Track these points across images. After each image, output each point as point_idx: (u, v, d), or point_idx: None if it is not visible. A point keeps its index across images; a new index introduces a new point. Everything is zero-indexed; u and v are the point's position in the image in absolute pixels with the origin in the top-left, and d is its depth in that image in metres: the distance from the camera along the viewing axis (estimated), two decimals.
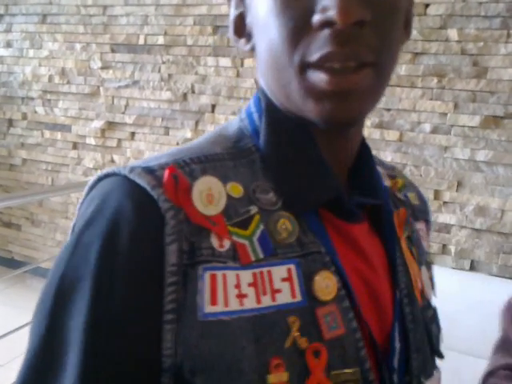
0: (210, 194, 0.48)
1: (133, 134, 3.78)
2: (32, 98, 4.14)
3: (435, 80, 2.86)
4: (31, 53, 4.09)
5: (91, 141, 3.95)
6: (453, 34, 2.80)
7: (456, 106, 2.84)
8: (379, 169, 0.63)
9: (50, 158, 4.14)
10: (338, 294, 0.49)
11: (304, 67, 0.48)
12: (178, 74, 3.58)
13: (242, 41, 0.56)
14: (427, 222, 0.68)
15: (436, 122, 2.90)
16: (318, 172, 0.53)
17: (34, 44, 4.07)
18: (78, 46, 3.90)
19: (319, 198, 0.52)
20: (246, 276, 0.47)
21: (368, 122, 3.02)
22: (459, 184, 2.88)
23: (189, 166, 0.49)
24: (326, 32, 0.45)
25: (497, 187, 2.79)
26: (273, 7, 0.48)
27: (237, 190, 0.50)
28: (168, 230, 0.45)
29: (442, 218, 2.94)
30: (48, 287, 0.48)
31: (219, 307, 0.45)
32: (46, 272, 2.64)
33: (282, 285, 0.47)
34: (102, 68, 3.83)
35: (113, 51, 3.78)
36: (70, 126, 4.02)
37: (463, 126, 2.83)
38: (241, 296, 0.46)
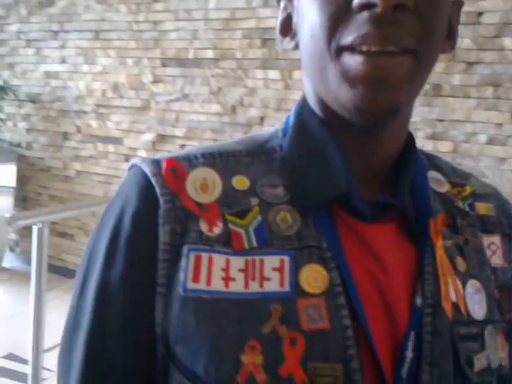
0: (204, 184, 0.53)
1: (183, 146, 3.84)
2: (86, 112, 4.26)
3: (490, 90, 2.79)
4: (85, 68, 4.21)
5: (142, 153, 4.02)
6: (508, 42, 2.72)
7: None
8: (435, 174, 0.61)
9: (103, 169, 4.24)
10: (331, 290, 0.49)
11: (340, 51, 0.47)
12: (227, 87, 3.61)
13: (287, 39, 0.58)
14: (507, 236, 0.62)
15: (492, 133, 2.82)
16: (329, 170, 0.53)
17: (88, 59, 4.19)
18: (129, 61, 3.99)
19: (323, 195, 0.53)
20: (238, 262, 0.50)
21: (420, 133, 2.97)
22: None
23: (196, 160, 0.55)
24: (365, 14, 0.45)
25: None
26: (313, 2, 0.49)
27: (242, 182, 0.54)
28: (161, 213, 0.51)
29: None
30: (83, 257, 0.56)
31: (201, 285, 0.49)
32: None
33: (272, 274, 0.49)
34: (153, 82, 3.91)
35: (163, 65, 3.86)
36: (121, 139, 4.12)
37: None
38: (228, 279, 0.49)
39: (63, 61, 4.31)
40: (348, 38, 0.47)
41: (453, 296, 0.53)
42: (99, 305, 0.52)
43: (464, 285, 0.55)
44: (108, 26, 4.05)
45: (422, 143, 2.97)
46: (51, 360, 2.13)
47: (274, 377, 0.46)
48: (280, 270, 0.50)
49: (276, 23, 0.59)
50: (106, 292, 0.52)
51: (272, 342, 0.47)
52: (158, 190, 0.51)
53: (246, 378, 0.46)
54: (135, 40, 3.94)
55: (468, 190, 0.62)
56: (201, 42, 3.67)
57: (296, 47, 0.56)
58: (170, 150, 3.88)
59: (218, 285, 0.49)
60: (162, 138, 3.93)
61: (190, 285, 0.49)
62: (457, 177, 0.64)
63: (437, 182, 0.61)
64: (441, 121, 2.94)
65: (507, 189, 2.77)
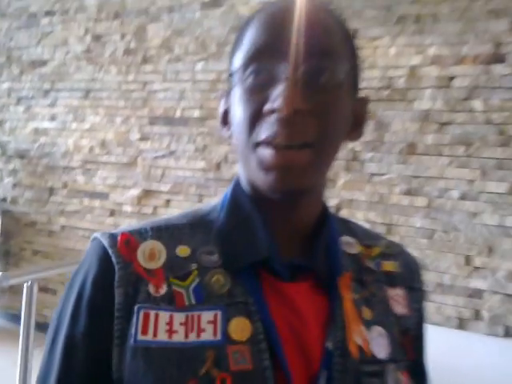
0: (152, 253, 0.64)
1: (168, 201, 3.93)
2: (73, 168, 4.35)
3: (462, 148, 2.96)
4: (74, 125, 4.34)
5: (128, 208, 4.11)
6: (477, 104, 2.92)
7: (483, 173, 2.92)
8: (347, 238, 0.73)
9: (88, 224, 4.30)
10: (255, 337, 0.60)
11: (257, 145, 0.60)
12: (212, 145, 3.75)
13: (225, 128, 0.70)
14: (411, 288, 0.74)
15: (464, 189, 2.97)
16: (254, 238, 0.65)
17: (77, 117, 4.33)
18: (118, 119, 4.13)
19: (248, 260, 0.64)
20: (180, 317, 0.60)
21: (397, 189, 3.12)
22: (490, 250, 2.91)
23: (146, 233, 0.66)
24: (273, 117, 0.58)
25: None
26: (239, 100, 0.62)
27: (184, 251, 0.65)
28: (116, 278, 0.61)
29: (473, 283, 2.95)
30: (53, 316, 0.67)
31: (148, 337, 0.59)
32: None
33: (207, 326, 0.60)
34: (141, 139, 4.05)
35: (151, 124, 4.00)
36: (107, 194, 4.20)
37: (491, 193, 2.90)
38: (171, 331, 0.60)
39: (53, 118, 4.45)
40: (262, 135, 0.59)
41: (358, 340, 0.64)
42: (66, 354, 0.62)
43: (369, 330, 0.65)
44: (99, 86, 4.21)
45: (399, 198, 3.11)
46: None
47: None
48: (213, 322, 0.60)
49: (218, 115, 0.72)
50: (72, 344, 0.62)
51: (207, 382, 0.57)
52: (113, 259, 0.63)
53: None
54: (124, 99, 4.10)
55: (376, 250, 0.74)
56: (188, 102, 3.83)
57: (231, 137, 0.68)
58: (156, 205, 3.97)
59: (162, 336, 0.59)
60: (147, 193, 4.02)
61: (140, 337, 0.59)
62: (368, 239, 0.76)
63: (348, 245, 0.72)
64: (416, 177, 3.09)
65: (479, 241, 2.91)
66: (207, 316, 0.61)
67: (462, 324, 3.00)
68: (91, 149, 4.26)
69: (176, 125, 3.89)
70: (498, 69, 2.87)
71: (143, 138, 4.04)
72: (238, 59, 0.63)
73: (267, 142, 0.58)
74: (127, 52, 4.08)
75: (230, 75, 0.66)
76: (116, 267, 0.62)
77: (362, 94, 0.70)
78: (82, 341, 0.61)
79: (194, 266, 0.64)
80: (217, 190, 3.72)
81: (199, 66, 3.78)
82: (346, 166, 3.26)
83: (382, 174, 3.19)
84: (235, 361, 0.58)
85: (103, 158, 4.21)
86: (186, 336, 0.59)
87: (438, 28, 3.03)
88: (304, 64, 0.58)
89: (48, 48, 4.46)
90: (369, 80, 3.18)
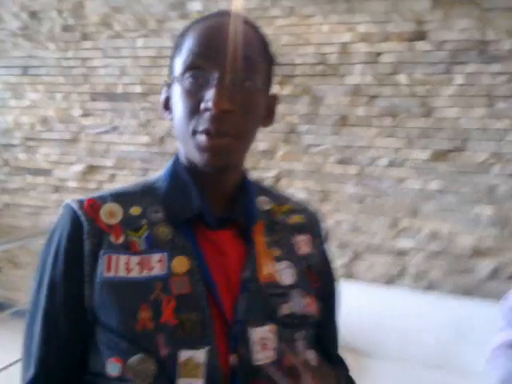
0: (111, 212, 0.83)
1: (113, 175, 4.02)
2: (14, 145, 4.34)
3: (389, 119, 3.21)
4: (13, 102, 4.31)
5: (72, 184, 4.16)
6: (403, 78, 3.17)
7: (408, 142, 3.19)
8: (262, 198, 0.95)
9: (32, 201, 4.32)
10: (191, 270, 0.81)
11: (195, 133, 0.79)
12: (156, 120, 3.85)
13: (167, 113, 0.89)
14: (313, 234, 0.97)
15: (391, 157, 3.23)
16: (190, 199, 0.85)
17: (16, 94, 4.30)
18: (58, 96, 4.14)
19: (185, 215, 0.84)
20: (135, 259, 0.80)
21: (331, 158, 3.35)
22: (414, 212, 3.20)
23: (106, 198, 0.86)
24: (207, 113, 0.77)
25: (448, 213, 3.12)
26: (180, 98, 0.80)
27: (137, 210, 0.85)
28: (85, 231, 0.81)
29: (400, 243, 3.24)
30: (37, 265, 0.86)
31: (111, 273, 0.79)
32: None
33: (156, 264, 0.81)
34: (83, 115, 4.08)
35: (93, 100, 4.04)
36: (51, 171, 4.23)
37: (415, 160, 3.17)
38: (129, 269, 0.79)
39: None
40: (199, 127, 0.78)
41: (267, 270, 0.86)
42: (50, 292, 0.82)
43: (278, 264, 0.88)
44: (36, 63, 4.19)
45: (333, 167, 3.34)
46: None
47: (158, 324, 0.76)
48: (160, 261, 0.81)
49: (160, 100, 0.90)
50: (54, 284, 0.81)
51: (156, 304, 0.77)
52: (82, 218, 0.82)
53: (141, 326, 0.76)
54: (64, 76, 4.11)
55: (286, 207, 0.97)
56: (129, 78, 3.90)
57: (172, 120, 0.86)
58: (101, 180, 4.04)
59: (122, 273, 0.79)
60: (92, 169, 4.08)
61: (105, 274, 0.79)
62: (279, 200, 0.98)
63: (263, 203, 0.95)
64: (348, 147, 3.33)
65: (406, 205, 3.19)
66: (156, 257, 0.81)
67: (389, 280, 3.29)
68: (32, 126, 4.25)
69: (118, 100, 3.95)
70: (421, 45, 3.12)
71: (85, 114, 4.07)
72: (178, 64, 0.81)
73: (202, 131, 0.77)
74: (65, 28, 4.07)
75: (170, 73, 0.85)
76: (84, 224, 0.81)
77: (272, 90, 0.90)
78: (62, 281, 0.81)
79: (144, 221, 0.84)
80: (161, 164, 3.82)
81: (139, 42, 3.84)
82: (285, 138, 3.46)
83: (318, 145, 3.40)
84: (177, 287, 0.79)
85: (45, 135, 4.22)
86: (140, 272, 0.79)
87: (366, 7, 3.23)
88: (230, 73, 0.77)
89: None
90: (303, 56, 3.37)
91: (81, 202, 0.83)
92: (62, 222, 0.83)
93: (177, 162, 0.90)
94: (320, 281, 0.94)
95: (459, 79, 3.06)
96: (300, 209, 0.99)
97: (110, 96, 3.97)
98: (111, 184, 4.00)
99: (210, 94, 0.75)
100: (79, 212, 0.82)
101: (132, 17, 3.86)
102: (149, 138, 3.87)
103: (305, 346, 0.86)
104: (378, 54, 3.23)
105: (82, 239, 0.80)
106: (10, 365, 2.52)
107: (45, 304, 0.82)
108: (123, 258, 0.80)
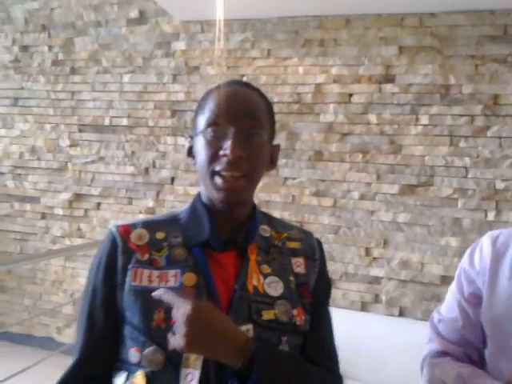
0: (139, 236, 1.06)
1: (99, 204, 4.16)
2: (3, 173, 4.47)
3: (360, 155, 3.41)
4: (3, 132, 4.46)
5: (59, 211, 4.30)
6: (373, 118, 3.38)
7: (378, 176, 3.38)
8: (264, 226, 1.14)
9: (19, 227, 4.44)
10: (198, 283, 0.99)
11: (213, 175, 1.00)
12: (141, 151, 4.02)
13: (190, 159, 1.11)
14: (309, 258, 1.13)
15: (363, 190, 3.42)
16: (201, 228, 1.06)
17: (6, 124, 4.45)
18: (47, 127, 4.30)
19: (197, 240, 1.05)
20: (156, 273, 1.02)
21: (307, 191, 3.53)
22: (385, 242, 3.38)
23: (137, 224, 1.09)
24: (225, 159, 0.98)
25: (416, 244, 3.31)
26: (203, 147, 1.02)
27: (161, 235, 1.07)
28: (118, 250, 1.04)
29: (372, 271, 3.41)
30: (87, 276, 1.09)
31: (137, 283, 1.00)
32: (15, 336, 3.12)
33: (171, 278, 1.01)
34: (70, 146, 4.23)
35: (80, 131, 4.20)
36: (38, 198, 4.36)
37: (385, 193, 3.36)
38: (150, 281, 1.00)
39: None
40: (217, 168, 0.99)
41: (255, 283, 1.03)
42: (92, 295, 1.05)
43: (266, 279, 1.05)
44: (27, 94, 4.35)
45: (309, 199, 3.52)
46: None
47: (168, 324, 0.93)
48: (175, 276, 1.01)
49: (184, 149, 1.13)
50: (95, 289, 1.04)
51: (169, 309, 0.92)
52: (117, 239, 1.05)
53: (156, 325, 0.96)
54: (53, 107, 4.27)
55: (285, 235, 1.15)
56: (116, 111, 4.07)
57: (194, 164, 1.08)
58: (87, 208, 4.18)
59: (145, 283, 1.00)
60: (78, 197, 4.23)
61: (132, 283, 1.01)
62: (280, 228, 1.17)
63: (264, 231, 1.13)
64: (323, 181, 3.51)
65: (377, 235, 3.36)
66: (172, 272, 1.01)
67: (364, 307, 3.45)
68: (21, 155, 4.39)
69: (105, 132, 4.11)
70: (389, 87, 3.34)
71: (73, 145, 4.22)
72: (202, 121, 1.04)
73: (220, 174, 0.98)
74: (55, 63, 4.25)
75: (193, 128, 1.09)
76: (119, 244, 1.04)
77: (274, 142, 1.13)
78: (101, 287, 1.03)
79: (165, 244, 1.05)
80: (146, 193, 3.99)
81: (126, 77, 4.02)
82: None
83: (294, 178, 3.58)
84: (186, 297, 0.96)
85: (34, 164, 4.36)
86: (159, 283, 1.00)
87: (339, 51, 3.46)
88: (242, 129, 0.99)
89: None
90: (281, 95, 3.57)
91: (118, 227, 1.08)
92: (104, 243, 1.07)
93: (197, 198, 1.11)
94: (312, 297, 1.09)
95: (424, 120, 3.27)
96: (298, 237, 1.16)
97: (98, 128, 4.14)
98: (97, 212, 4.15)
99: (227, 144, 0.97)
100: (116, 235, 1.06)
101: (120, 54, 4.06)
102: (134, 168, 4.03)
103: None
104: (350, 94, 3.44)
105: (116, 255, 1.03)
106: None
107: (88, 304, 1.05)
108: (146, 272, 1.01)
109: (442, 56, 3.23)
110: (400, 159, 3.33)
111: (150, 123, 3.97)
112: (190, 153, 1.10)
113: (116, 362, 1.03)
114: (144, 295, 0.98)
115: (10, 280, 4.47)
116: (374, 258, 3.41)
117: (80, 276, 4.23)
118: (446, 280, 3.22)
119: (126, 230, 1.06)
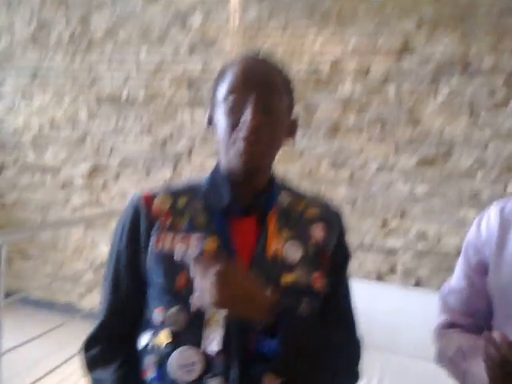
0: (162, 202, 1.08)
1: (117, 175, 4.22)
2: (24, 145, 4.54)
3: (378, 128, 3.39)
4: (23, 105, 4.50)
5: (79, 181, 4.36)
6: (391, 90, 3.35)
7: (397, 148, 3.37)
8: (284, 193, 1.14)
9: (41, 197, 4.53)
10: (219, 248, 1.02)
11: (234, 142, 1.00)
12: (158, 123, 4.04)
13: (210, 127, 1.11)
14: (329, 224, 1.12)
15: (381, 162, 3.42)
16: (222, 194, 1.07)
17: (26, 97, 4.49)
18: (66, 99, 4.33)
19: (218, 206, 1.06)
20: (178, 237, 1.03)
21: (324, 163, 3.53)
22: (402, 214, 3.39)
23: (160, 191, 1.11)
24: (246, 125, 0.98)
25: (433, 215, 3.32)
26: (224, 114, 1.02)
27: (183, 201, 1.09)
28: (141, 216, 1.06)
29: (389, 242, 3.44)
30: (111, 242, 1.13)
31: (160, 247, 1.03)
32: (38, 302, 3.20)
33: (194, 242, 1.02)
34: (89, 118, 4.27)
35: (98, 103, 4.23)
36: (59, 169, 4.43)
37: (403, 165, 3.36)
38: (173, 245, 1.02)
39: (1, 97, 4.57)
40: (238, 135, 0.99)
41: (274, 247, 1.05)
42: (117, 258, 1.09)
43: (286, 243, 1.06)
44: (45, 68, 4.37)
45: (326, 171, 3.53)
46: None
47: (191, 286, 0.93)
48: (197, 240, 1.02)
49: (204, 118, 1.13)
50: (119, 252, 1.08)
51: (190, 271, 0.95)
52: (140, 206, 1.08)
53: (179, 287, 0.99)
54: (72, 81, 4.29)
55: (304, 202, 1.15)
56: (133, 84, 4.08)
57: (214, 133, 1.08)
58: (106, 179, 4.24)
59: (168, 247, 1.03)
60: (97, 168, 4.29)
61: (156, 247, 1.03)
62: (300, 195, 1.17)
63: (283, 197, 1.14)
64: (340, 152, 3.51)
65: (394, 206, 3.37)
66: (194, 237, 1.03)
67: (380, 277, 3.49)
68: (41, 126, 4.44)
69: (123, 105, 4.13)
70: (408, 59, 3.29)
71: (91, 117, 4.25)
72: (222, 90, 1.04)
73: (241, 140, 0.98)
74: (73, 38, 4.25)
75: (213, 96, 1.08)
76: (142, 210, 1.07)
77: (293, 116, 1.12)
78: (124, 250, 1.07)
79: (187, 209, 1.07)
80: (163, 165, 4.03)
81: (143, 51, 4.02)
82: None
83: (311, 150, 3.59)
84: (209, 257, 1.00)
85: (53, 136, 4.41)
86: (182, 247, 1.02)
87: (357, 23, 3.40)
88: (262, 96, 0.99)
89: None
90: (298, 68, 3.54)
91: (140, 194, 1.10)
92: (128, 209, 1.10)
93: (216, 168, 1.11)
94: (331, 263, 1.10)
95: (444, 92, 3.23)
96: (317, 204, 1.16)
97: (115, 101, 4.16)
98: (116, 182, 4.21)
99: (248, 111, 0.98)
100: (139, 201, 1.08)
101: (136, 28, 4.04)
102: (152, 140, 4.06)
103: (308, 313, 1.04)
104: (368, 67, 3.40)
105: (139, 221, 1.06)
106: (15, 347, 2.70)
107: (113, 268, 1.09)
108: (169, 236, 1.03)
109: (462, 27, 3.17)
110: (419, 131, 3.31)
111: (168, 95, 3.97)
112: (210, 122, 1.11)
113: (140, 322, 1.07)
114: (167, 259, 1.01)
115: (32, 248, 4.58)
116: (391, 230, 3.43)
117: (99, 244, 4.33)
118: None
119: (149, 197, 1.09)
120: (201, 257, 0.98)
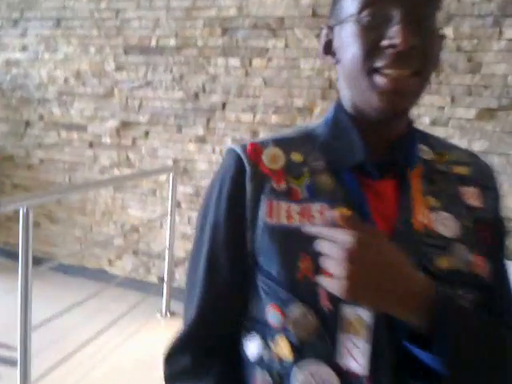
0: (273, 157, 0.82)
1: (147, 132, 3.97)
2: (48, 100, 4.32)
3: (433, 75, 3.04)
4: (46, 56, 4.27)
5: (107, 140, 4.14)
6: (449, 32, 2.99)
7: (453, 99, 3.03)
8: (423, 146, 0.87)
9: (67, 157, 4.33)
10: (354, 218, 0.74)
11: (372, 73, 0.73)
12: (190, 75, 3.76)
13: (329, 57, 0.85)
14: (484, 187, 0.86)
15: (435, 115, 3.09)
16: (351, 147, 0.81)
17: (49, 47, 4.25)
18: (92, 49, 4.08)
19: (347, 164, 0.80)
20: (296, 207, 0.78)
21: None
22: None
23: (268, 142, 0.84)
24: (391, 50, 0.71)
25: None
26: (356, 36, 0.75)
27: (298, 157, 0.83)
28: (247, 175, 0.80)
29: None
30: (200, 209, 0.88)
31: (273, 220, 0.77)
32: (68, 268, 2.95)
33: (316, 214, 0.77)
34: (116, 70, 4.01)
35: (126, 53, 3.96)
36: (85, 126, 4.21)
37: (460, 119, 3.02)
38: (290, 217, 0.77)
39: (24, 49, 4.35)
40: (378, 64, 0.72)
41: (422, 219, 0.78)
42: (212, 232, 0.83)
43: (434, 214, 0.80)
44: (69, 14, 4.11)
45: None
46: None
47: (320, 274, 0.69)
48: (321, 212, 0.77)
49: (319, 44, 0.86)
50: (216, 225, 0.82)
51: (317, 256, 0.69)
52: (245, 161, 0.81)
53: (302, 276, 0.74)
54: (97, 28, 4.03)
55: (449, 157, 0.88)
56: (163, 31, 3.79)
57: (336, 63, 0.82)
58: (135, 136, 4.00)
59: (283, 220, 0.77)
60: (126, 125, 4.04)
61: (267, 220, 0.77)
62: (441, 148, 0.89)
63: (424, 152, 0.86)
64: None
65: None
66: (316, 207, 0.77)
67: None
68: (66, 80, 4.21)
69: (151, 54, 3.86)
70: None
71: (119, 68, 4.00)
72: (350, 3, 0.76)
73: (382, 71, 0.72)
74: None
75: (336, 14, 0.81)
76: (247, 167, 0.80)
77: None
78: (224, 222, 0.81)
79: (305, 169, 0.81)
80: (195, 121, 3.77)
81: None
82: (322, 95, 3.33)
83: None
84: None
85: (79, 90, 4.18)
86: (300, 221, 0.76)
87: None
88: (413, 9, 0.71)
89: None
90: None
91: (244, 146, 0.83)
92: (226, 166, 0.84)
93: (338, 108, 0.85)
94: (491, 240, 0.83)
95: (509, 33, 2.86)
96: (466, 160, 0.89)
97: (144, 49, 3.89)
98: (145, 141, 3.97)
99: (394, 30, 0.70)
100: (242, 155, 0.82)
101: None
102: (183, 93, 3.79)
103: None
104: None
105: (244, 182, 0.80)
106: (50, 318, 2.56)
107: (208, 245, 0.83)
108: (284, 206, 0.78)
109: None
110: (479, 79, 2.95)
111: (200, 43, 3.68)
112: (329, 48, 0.83)
113: (244, 320, 0.82)
114: (283, 236, 0.76)
115: (60, 211, 4.41)
116: None
117: (130, 207, 4.12)
118: None
119: (256, 149, 0.83)
120: (338, 223, 0.69)
